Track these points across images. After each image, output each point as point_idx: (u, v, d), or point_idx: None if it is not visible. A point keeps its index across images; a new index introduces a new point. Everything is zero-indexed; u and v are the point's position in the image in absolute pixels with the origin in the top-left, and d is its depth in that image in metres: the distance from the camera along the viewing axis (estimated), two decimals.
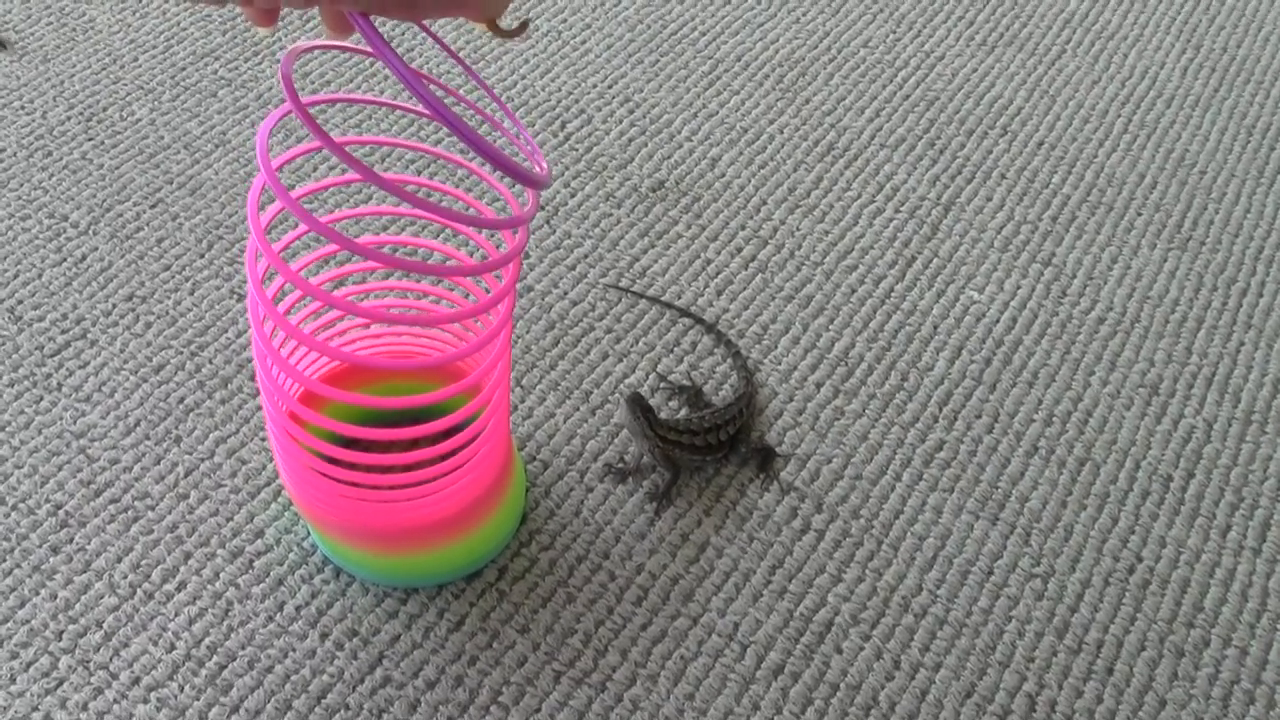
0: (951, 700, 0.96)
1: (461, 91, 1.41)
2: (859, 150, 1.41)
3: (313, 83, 1.44)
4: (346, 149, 0.69)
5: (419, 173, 1.34)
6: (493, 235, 1.15)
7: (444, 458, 0.88)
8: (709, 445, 1.07)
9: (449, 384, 0.84)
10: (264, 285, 0.82)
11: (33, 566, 1.00)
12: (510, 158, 0.64)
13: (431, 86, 0.90)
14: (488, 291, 0.82)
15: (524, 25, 0.64)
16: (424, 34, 1.46)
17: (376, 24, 0.59)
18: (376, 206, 1.23)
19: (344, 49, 0.75)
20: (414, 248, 1.18)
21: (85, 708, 0.93)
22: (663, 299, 1.23)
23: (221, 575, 1.00)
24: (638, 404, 1.04)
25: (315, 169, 1.33)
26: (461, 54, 1.49)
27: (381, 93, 1.43)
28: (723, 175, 1.37)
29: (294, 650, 0.96)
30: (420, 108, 0.62)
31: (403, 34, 1.51)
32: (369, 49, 0.60)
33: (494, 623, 0.98)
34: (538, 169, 0.75)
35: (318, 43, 0.74)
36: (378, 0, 0.55)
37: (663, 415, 1.11)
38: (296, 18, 1.53)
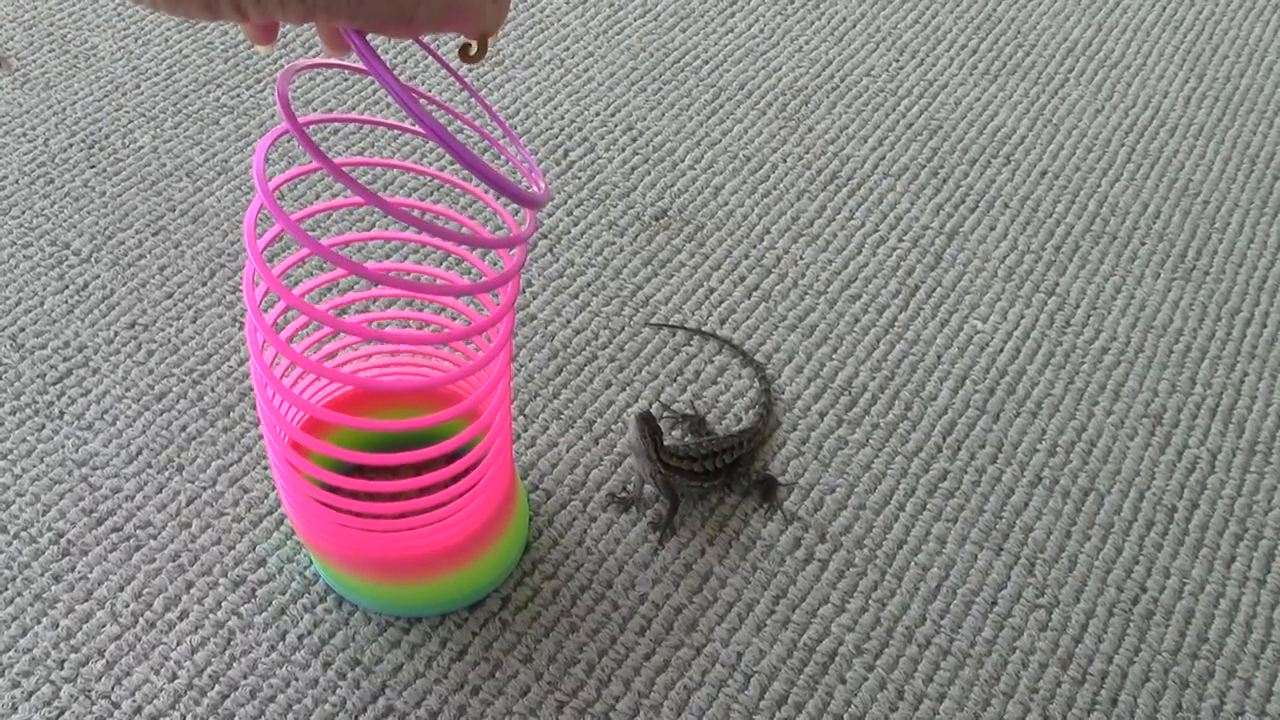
0: None
1: (464, 114, 1.41)
2: (862, 179, 1.41)
3: (315, 107, 1.44)
4: (345, 170, 0.69)
5: (424, 199, 1.33)
6: (496, 262, 1.15)
7: (448, 482, 0.88)
8: (706, 471, 1.07)
9: (449, 408, 0.84)
10: (263, 311, 0.81)
11: (34, 595, 1.00)
12: (504, 176, 0.64)
13: (431, 107, 0.90)
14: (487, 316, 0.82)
15: (483, 48, 0.65)
16: (429, 57, 1.46)
17: (374, 44, 0.59)
18: (373, 231, 1.23)
19: (341, 67, 0.75)
20: (416, 274, 1.17)
21: None
22: (703, 329, 1.23)
23: (224, 604, 1.00)
24: (647, 424, 1.03)
25: (318, 195, 1.33)
26: (464, 77, 1.49)
27: (388, 116, 1.43)
28: (726, 203, 1.37)
29: (296, 679, 0.96)
30: (419, 128, 0.62)
31: (406, 59, 1.51)
32: (365, 67, 0.60)
33: (497, 652, 0.98)
34: (535, 188, 0.74)
35: (315, 61, 0.73)
36: (374, 17, 0.55)
37: (666, 442, 1.10)
38: (300, 43, 1.53)
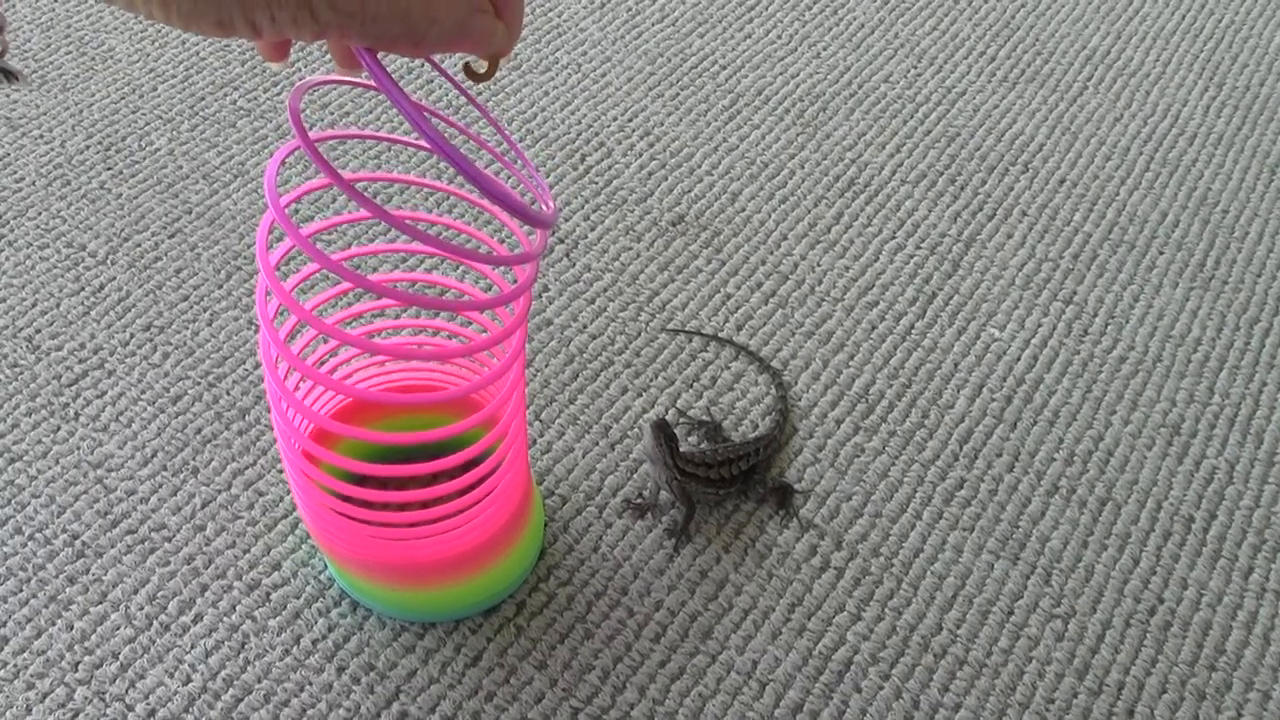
0: None
1: (475, 129, 1.41)
2: (879, 186, 1.41)
3: (331, 114, 1.44)
4: (359, 185, 0.69)
5: (444, 212, 1.33)
6: (507, 272, 1.15)
7: (461, 493, 0.88)
8: (722, 479, 1.06)
9: (463, 418, 0.84)
10: (276, 323, 0.81)
11: (49, 597, 1.00)
12: (514, 194, 0.64)
13: (442, 125, 0.90)
14: (501, 326, 0.82)
15: (493, 69, 0.65)
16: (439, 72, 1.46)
17: (384, 60, 0.59)
18: (388, 244, 1.23)
19: (353, 84, 0.75)
20: (428, 284, 1.18)
21: None
22: (720, 335, 1.23)
23: (238, 608, 1.00)
24: (662, 431, 1.03)
25: (334, 201, 1.33)
26: (476, 92, 1.48)
27: (397, 127, 1.43)
28: (743, 210, 1.37)
29: (310, 684, 0.95)
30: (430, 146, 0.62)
31: (420, 71, 1.51)
32: (377, 84, 0.60)
33: (511, 658, 0.98)
34: (544, 207, 0.75)
35: (327, 78, 0.74)
36: (385, 36, 0.55)
37: (682, 448, 1.10)
38: (318, 52, 1.53)
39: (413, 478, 0.93)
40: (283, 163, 0.75)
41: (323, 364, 0.99)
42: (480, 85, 1.49)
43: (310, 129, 1.30)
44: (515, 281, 0.82)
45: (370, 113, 1.45)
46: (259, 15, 0.52)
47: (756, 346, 1.22)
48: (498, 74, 1.51)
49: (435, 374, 1.04)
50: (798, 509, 1.09)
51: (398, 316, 1.15)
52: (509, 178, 1.33)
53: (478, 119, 1.44)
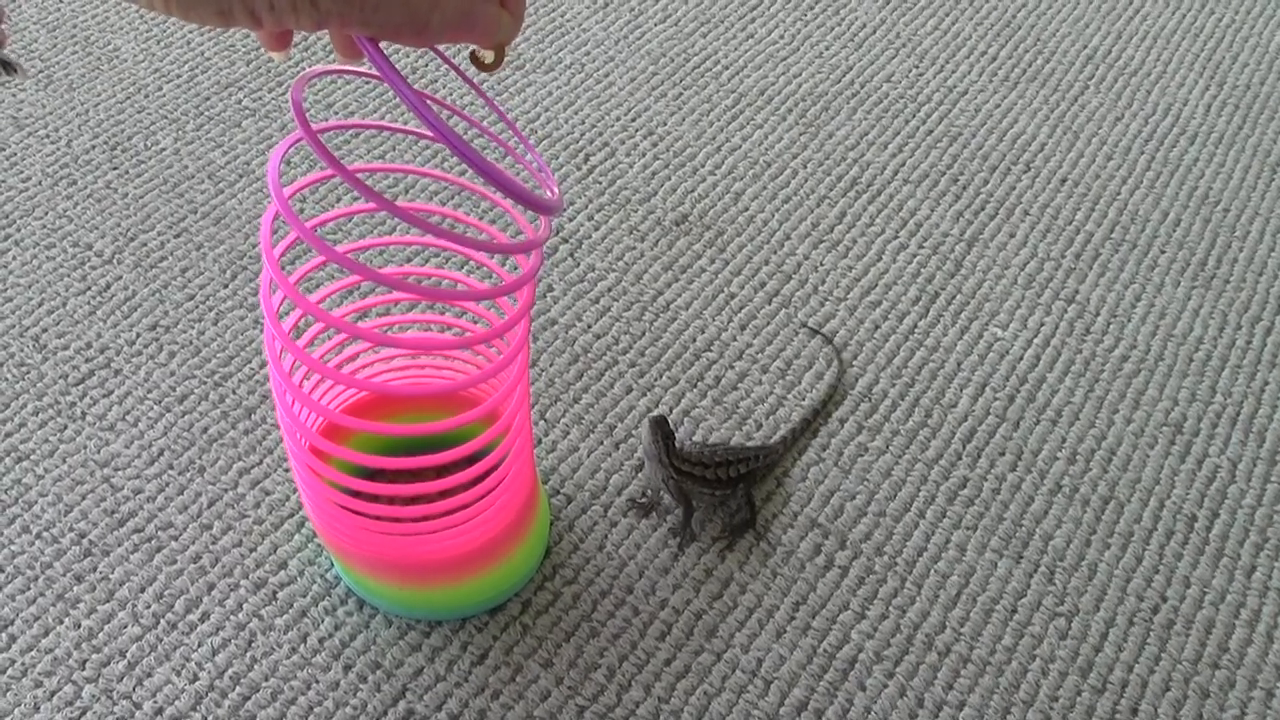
0: None
1: (480, 120, 1.41)
2: (882, 185, 1.41)
3: (336, 111, 1.45)
4: (362, 177, 0.69)
5: (443, 203, 1.33)
6: (515, 269, 1.15)
7: (469, 485, 0.88)
8: (718, 479, 1.06)
9: (469, 410, 0.84)
10: (281, 318, 0.81)
11: (56, 595, 1.00)
12: (517, 181, 0.64)
13: (446, 114, 0.90)
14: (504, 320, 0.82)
15: (500, 58, 0.65)
16: (445, 64, 1.47)
17: (387, 50, 0.59)
18: (392, 236, 1.23)
19: (357, 74, 0.75)
20: (435, 279, 1.18)
21: None
22: (808, 326, 1.24)
23: (245, 606, 1.00)
24: (660, 428, 1.03)
25: (339, 199, 1.33)
26: (481, 84, 1.49)
27: (406, 122, 1.43)
28: (746, 209, 1.37)
29: (317, 682, 0.96)
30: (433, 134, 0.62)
31: (425, 64, 1.52)
32: (379, 74, 0.60)
33: (517, 657, 0.98)
34: (548, 193, 0.75)
35: (330, 68, 0.74)
36: (387, 25, 0.55)
37: (685, 447, 1.10)
38: (321, 46, 1.53)
39: (420, 471, 0.93)
40: (285, 157, 0.75)
41: (327, 360, 0.99)
42: (484, 80, 1.50)
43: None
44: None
45: (375, 112, 1.46)
46: (258, 3, 0.52)
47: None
48: (500, 72, 1.51)
49: (441, 367, 1.04)
50: (738, 538, 1.08)
51: (408, 310, 1.15)
52: (513, 165, 1.33)
53: (479, 107, 1.45)
